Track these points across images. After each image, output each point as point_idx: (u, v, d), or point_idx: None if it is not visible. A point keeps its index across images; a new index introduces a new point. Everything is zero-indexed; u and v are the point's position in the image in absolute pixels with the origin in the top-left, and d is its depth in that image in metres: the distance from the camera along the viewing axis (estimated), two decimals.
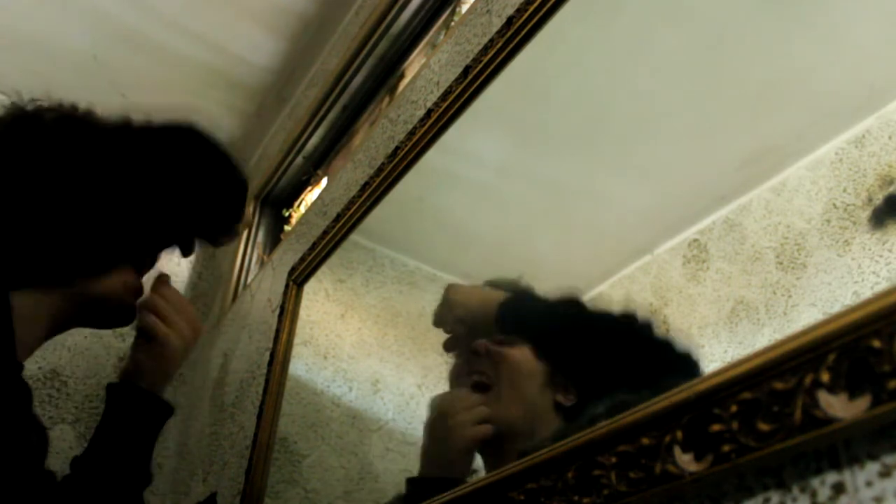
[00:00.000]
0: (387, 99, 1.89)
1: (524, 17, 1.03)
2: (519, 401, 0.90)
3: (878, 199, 0.57)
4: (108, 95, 2.28)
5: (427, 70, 1.41)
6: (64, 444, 1.96)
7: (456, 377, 1.00)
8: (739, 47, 0.78)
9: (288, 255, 1.76)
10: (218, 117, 2.47)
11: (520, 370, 0.92)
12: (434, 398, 0.99)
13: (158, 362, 0.92)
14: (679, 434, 0.52)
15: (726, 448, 0.48)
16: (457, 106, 1.14)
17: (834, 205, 0.61)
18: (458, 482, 0.84)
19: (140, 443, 0.89)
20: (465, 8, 1.48)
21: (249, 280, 2.20)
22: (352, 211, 1.39)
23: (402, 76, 1.86)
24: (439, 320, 1.07)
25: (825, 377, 0.43)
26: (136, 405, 0.90)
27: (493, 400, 0.91)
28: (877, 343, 0.41)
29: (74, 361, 2.15)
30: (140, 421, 0.90)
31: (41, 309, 0.85)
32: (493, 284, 1.02)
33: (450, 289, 1.07)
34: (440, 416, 0.94)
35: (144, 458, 0.89)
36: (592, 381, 0.86)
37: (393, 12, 1.79)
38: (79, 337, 2.16)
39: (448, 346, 1.04)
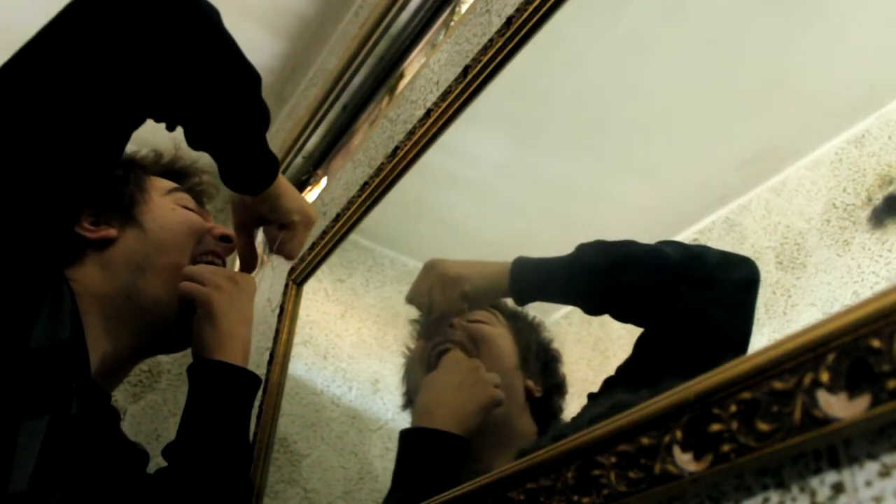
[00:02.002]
0: (386, 99, 1.89)
1: (524, 17, 1.03)
2: (497, 371, 0.89)
3: (878, 198, 0.57)
4: None
5: (426, 70, 1.41)
6: None
7: (425, 357, 0.97)
8: (739, 47, 0.78)
9: None
10: None
11: (497, 346, 0.92)
12: (446, 354, 0.94)
13: (213, 325, 0.88)
14: (678, 434, 0.52)
15: (726, 448, 0.48)
16: (456, 106, 1.14)
17: (834, 205, 0.61)
18: (461, 440, 0.84)
19: (227, 421, 0.85)
20: (464, 8, 1.48)
21: None
22: (351, 211, 1.39)
23: (401, 76, 1.86)
24: (428, 301, 0.99)
25: (825, 377, 0.43)
26: (211, 380, 0.86)
27: None
28: (876, 343, 0.41)
29: None
30: (217, 395, 0.85)
31: (95, 306, 0.85)
32: None
33: (440, 264, 0.99)
34: (466, 369, 0.90)
35: (237, 437, 0.85)
36: (558, 377, 0.87)
37: (392, 12, 1.79)
38: None
39: (431, 331, 0.99)
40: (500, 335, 0.93)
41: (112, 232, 0.90)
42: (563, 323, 0.91)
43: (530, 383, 0.88)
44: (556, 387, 0.87)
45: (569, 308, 0.90)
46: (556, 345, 0.89)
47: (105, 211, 0.92)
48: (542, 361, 0.90)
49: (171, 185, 0.99)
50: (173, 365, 2.10)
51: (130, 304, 0.88)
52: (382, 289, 1.36)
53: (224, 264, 0.99)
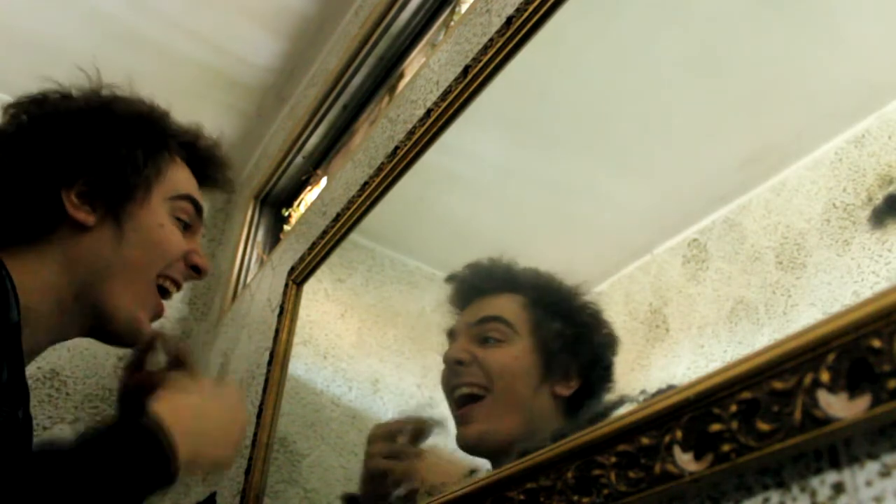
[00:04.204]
0: (386, 98, 1.89)
1: (524, 17, 1.03)
2: (516, 407, 0.86)
3: (878, 198, 0.57)
4: None
5: (427, 69, 1.41)
6: None
7: (448, 393, 0.95)
8: (739, 47, 0.78)
9: (287, 255, 1.76)
10: (218, 117, 2.47)
11: (513, 373, 0.88)
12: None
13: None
14: (679, 434, 0.52)
15: (726, 448, 0.48)
16: (456, 105, 1.14)
17: (834, 205, 0.61)
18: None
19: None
20: (464, 7, 1.48)
21: (249, 279, 2.20)
22: (351, 211, 1.39)
23: (401, 76, 1.86)
24: None
25: (825, 377, 0.43)
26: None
27: (487, 410, 0.87)
28: (877, 343, 0.41)
29: (74, 361, 2.15)
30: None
31: (41, 279, 0.80)
32: (476, 269, 1.00)
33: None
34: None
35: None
36: (597, 361, 0.82)
37: (392, 12, 1.79)
38: None
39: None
40: (514, 359, 0.89)
41: (90, 220, 0.84)
42: None
43: (559, 389, 0.83)
44: (597, 376, 0.81)
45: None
46: (606, 330, 0.82)
47: (100, 187, 0.85)
48: (572, 355, 0.85)
49: (181, 189, 0.92)
50: None
51: (78, 304, 0.83)
52: (382, 289, 1.36)
53: (178, 288, 0.92)
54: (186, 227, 0.93)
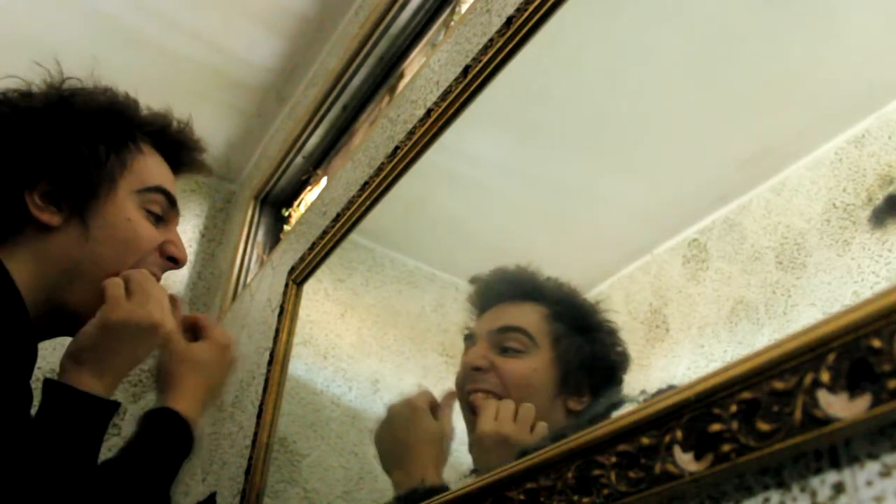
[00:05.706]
0: (386, 98, 1.89)
1: (524, 17, 1.03)
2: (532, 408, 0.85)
3: (878, 198, 0.57)
4: None
5: (427, 69, 1.41)
6: None
7: (462, 396, 0.94)
8: (739, 47, 0.78)
9: (287, 255, 1.77)
10: (218, 117, 2.47)
11: (530, 385, 0.88)
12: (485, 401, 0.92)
13: (97, 341, 0.82)
14: (679, 434, 0.52)
15: (726, 448, 0.48)
16: (456, 105, 1.14)
17: (834, 205, 0.61)
18: None
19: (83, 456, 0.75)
20: (464, 7, 1.48)
21: (249, 279, 2.20)
22: (351, 211, 1.39)
23: (401, 76, 1.86)
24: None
25: (825, 377, 0.43)
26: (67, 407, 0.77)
27: None
28: (877, 343, 0.41)
29: None
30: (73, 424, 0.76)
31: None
32: (501, 274, 0.98)
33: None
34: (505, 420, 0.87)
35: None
36: (609, 378, 0.83)
37: (392, 12, 1.79)
38: None
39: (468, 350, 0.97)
40: (533, 371, 0.88)
41: (55, 220, 0.83)
42: None
43: (572, 404, 0.84)
44: (607, 393, 0.82)
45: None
46: (620, 349, 0.83)
47: (63, 187, 0.84)
48: (587, 371, 0.86)
49: (149, 181, 0.89)
50: None
51: (49, 306, 0.82)
52: (382, 289, 1.36)
53: (157, 280, 0.90)
54: (160, 220, 0.90)
